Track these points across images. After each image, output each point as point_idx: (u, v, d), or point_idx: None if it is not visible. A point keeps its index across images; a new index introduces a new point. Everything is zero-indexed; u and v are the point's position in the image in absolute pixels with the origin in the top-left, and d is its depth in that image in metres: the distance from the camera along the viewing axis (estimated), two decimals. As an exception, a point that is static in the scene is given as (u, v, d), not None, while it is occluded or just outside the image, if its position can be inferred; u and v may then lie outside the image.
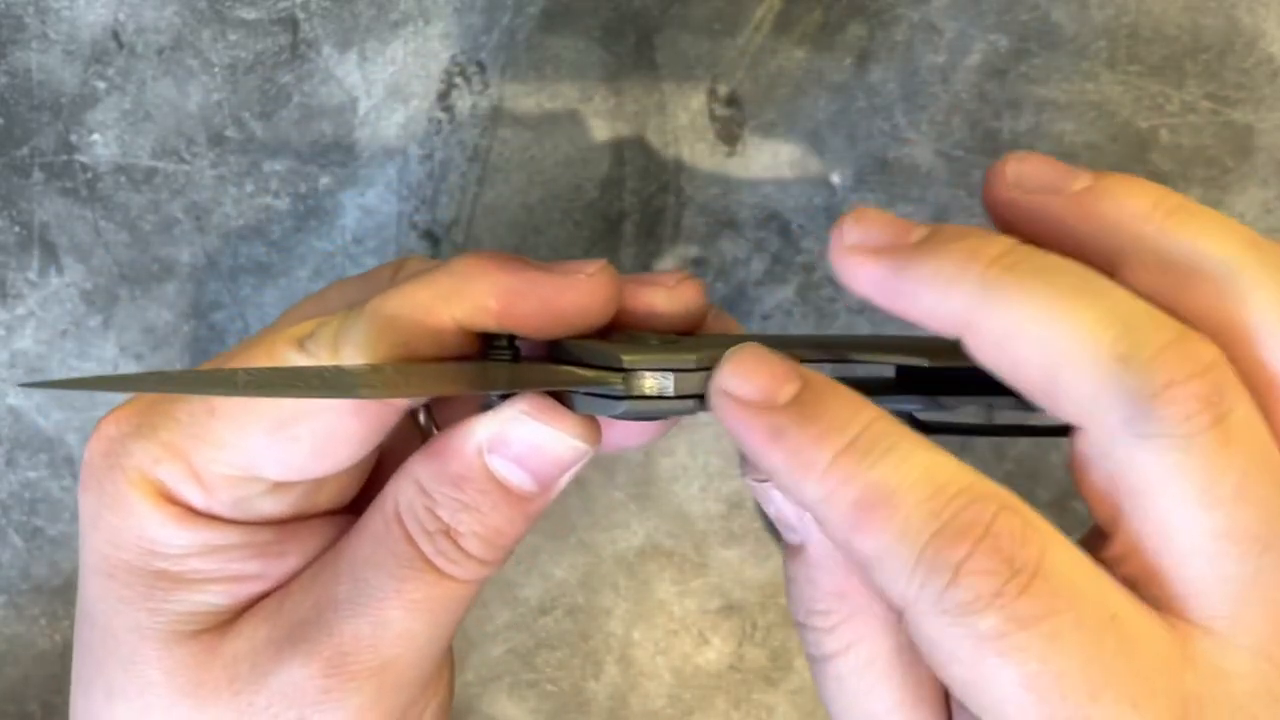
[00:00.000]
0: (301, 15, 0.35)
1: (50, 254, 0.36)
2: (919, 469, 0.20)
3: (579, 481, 0.37)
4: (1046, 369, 0.20)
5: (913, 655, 0.22)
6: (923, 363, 0.23)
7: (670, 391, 0.22)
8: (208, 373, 0.21)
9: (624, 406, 0.22)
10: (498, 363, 0.23)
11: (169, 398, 0.23)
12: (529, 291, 0.23)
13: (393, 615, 0.23)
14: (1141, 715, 0.18)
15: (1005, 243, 0.21)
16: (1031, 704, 0.18)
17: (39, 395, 0.36)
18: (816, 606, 0.23)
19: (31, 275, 0.36)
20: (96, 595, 0.24)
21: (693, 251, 0.36)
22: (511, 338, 0.23)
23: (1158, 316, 0.20)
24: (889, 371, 0.25)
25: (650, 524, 0.37)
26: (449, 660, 0.27)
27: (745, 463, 0.23)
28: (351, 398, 0.21)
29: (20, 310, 0.36)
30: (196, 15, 0.35)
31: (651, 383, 0.22)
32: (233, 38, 0.35)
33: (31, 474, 0.36)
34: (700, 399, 0.22)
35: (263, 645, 0.24)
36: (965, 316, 0.20)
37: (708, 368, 0.22)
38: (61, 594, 0.37)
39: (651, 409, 0.23)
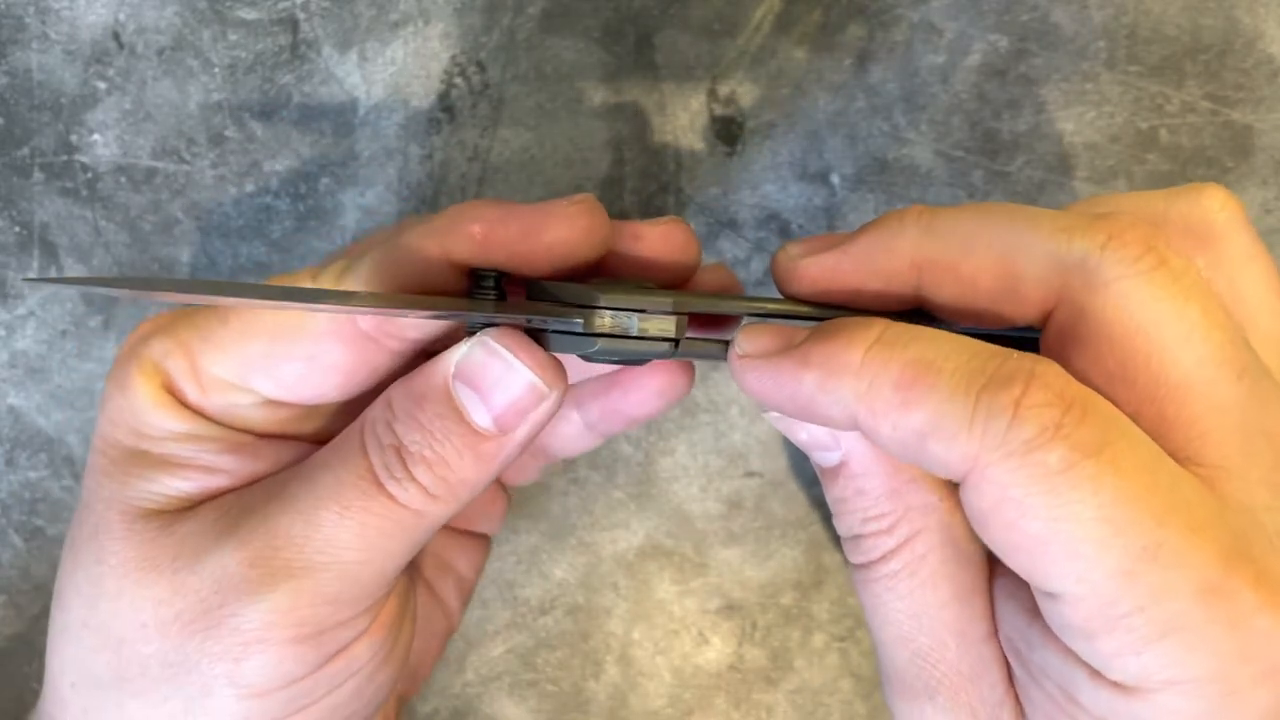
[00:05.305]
0: (301, 15, 0.35)
1: (50, 254, 0.36)
2: (950, 342, 0.20)
3: (579, 481, 0.37)
4: (1002, 271, 0.22)
5: (964, 548, 0.23)
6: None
7: (634, 331, 0.23)
8: (221, 282, 0.23)
9: (597, 345, 0.23)
10: (482, 299, 0.24)
11: (201, 307, 0.26)
12: (510, 220, 0.24)
13: (325, 518, 0.24)
14: (1203, 540, 0.19)
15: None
16: (1108, 536, 0.19)
17: (39, 395, 0.36)
18: (870, 513, 0.23)
19: (32, 275, 0.36)
20: (89, 471, 0.26)
21: (693, 251, 0.36)
22: (498, 278, 0.24)
23: (1070, 211, 0.22)
24: None
25: (650, 524, 0.37)
26: (404, 627, 0.27)
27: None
28: (346, 307, 0.22)
29: (20, 310, 0.36)
30: (196, 15, 0.35)
31: (610, 321, 0.23)
32: (233, 38, 0.35)
33: (32, 474, 0.36)
34: (675, 343, 0.23)
35: (209, 528, 0.25)
36: (915, 254, 0.23)
37: (684, 313, 0.23)
38: (61, 594, 0.37)
39: (623, 350, 0.23)
